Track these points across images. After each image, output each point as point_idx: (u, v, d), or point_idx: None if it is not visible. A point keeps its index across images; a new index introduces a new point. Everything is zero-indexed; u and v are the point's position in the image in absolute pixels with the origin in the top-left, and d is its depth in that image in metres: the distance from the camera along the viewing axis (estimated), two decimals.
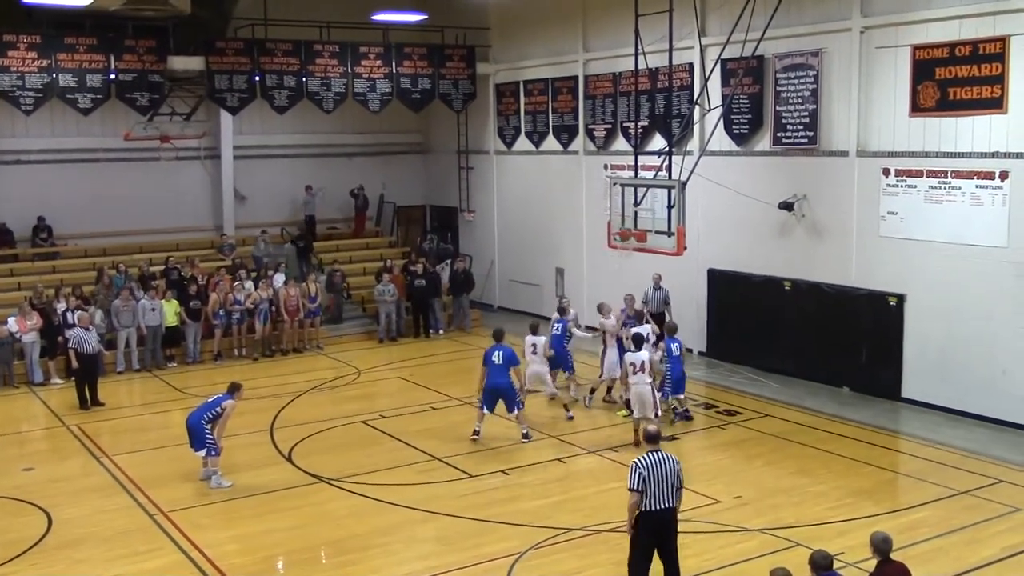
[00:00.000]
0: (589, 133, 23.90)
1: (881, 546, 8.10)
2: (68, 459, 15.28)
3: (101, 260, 23.89)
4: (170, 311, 21.23)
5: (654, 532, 9.58)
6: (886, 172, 17.27)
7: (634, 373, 14.87)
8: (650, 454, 9.55)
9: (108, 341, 20.71)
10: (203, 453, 13.67)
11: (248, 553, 11.54)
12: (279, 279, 22.91)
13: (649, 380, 14.90)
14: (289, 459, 14.90)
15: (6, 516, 12.78)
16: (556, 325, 18.28)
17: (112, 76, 22.63)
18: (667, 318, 19.05)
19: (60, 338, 20.10)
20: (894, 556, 8.21)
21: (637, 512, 9.51)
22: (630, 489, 9.45)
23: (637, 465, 9.45)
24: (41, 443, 16.28)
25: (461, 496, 13.19)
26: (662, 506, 9.46)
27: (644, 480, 9.37)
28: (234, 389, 13.97)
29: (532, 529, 11.94)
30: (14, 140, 24.30)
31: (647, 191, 17.89)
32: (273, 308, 22.22)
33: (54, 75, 22.00)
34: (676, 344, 16.41)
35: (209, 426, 13.60)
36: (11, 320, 19.85)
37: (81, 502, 13.25)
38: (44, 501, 13.15)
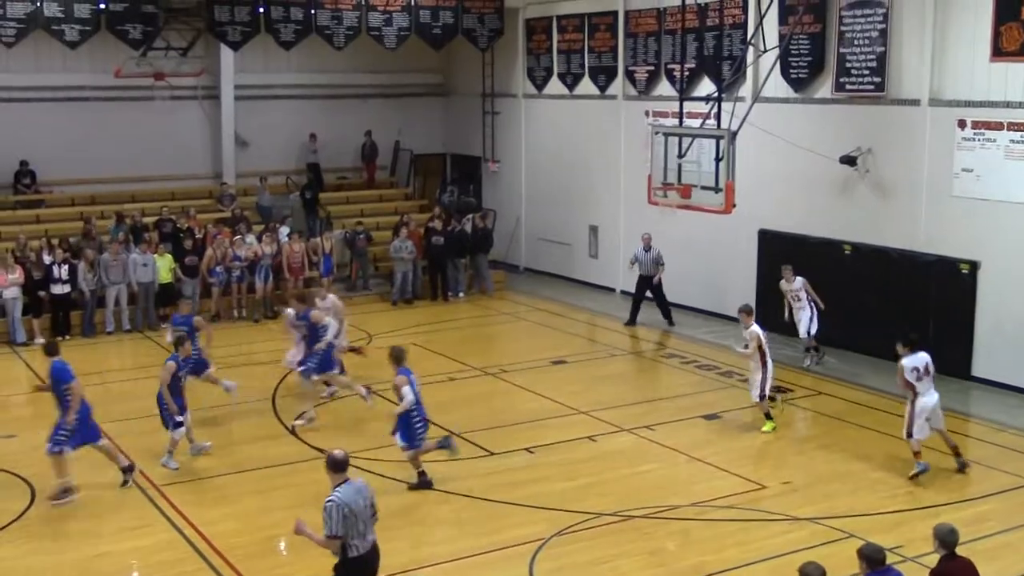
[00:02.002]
0: (629, 75, 23.72)
1: (947, 539, 8.10)
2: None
3: (89, 209, 24.09)
4: (164, 267, 21.41)
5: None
6: (962, 124, 17.06)
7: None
8: (345, 486, 8.57)
9: (98, 299, 20.92)
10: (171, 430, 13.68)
11: (247, 532, 11.70)
12: (284, 233, 23.02)
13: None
14: (292, 432, 15.04)
15: None
16: None
17: (102, 5, 22.66)
18: (658, 280, 20.75)
19: (43, 293, 20.35)
20: (959, 551, 8.21)
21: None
22: (328, 535, 8.46)
23: (335, 504, 8.40)
24: (24, 408, 16.50)
25: (481, 476, 13.29)
26: (369, 543, 8.63)
27: (345, 519, 8.39)
28: (178, 344, 14.08)
29: (558, 513, 12.03)
30: None
31: (693, 141, 17.81)
32: (276, 265, 22.36)
33: (38, 3, 22.05)
34: None
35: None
36: None
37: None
38: (27, 471, 13.35)
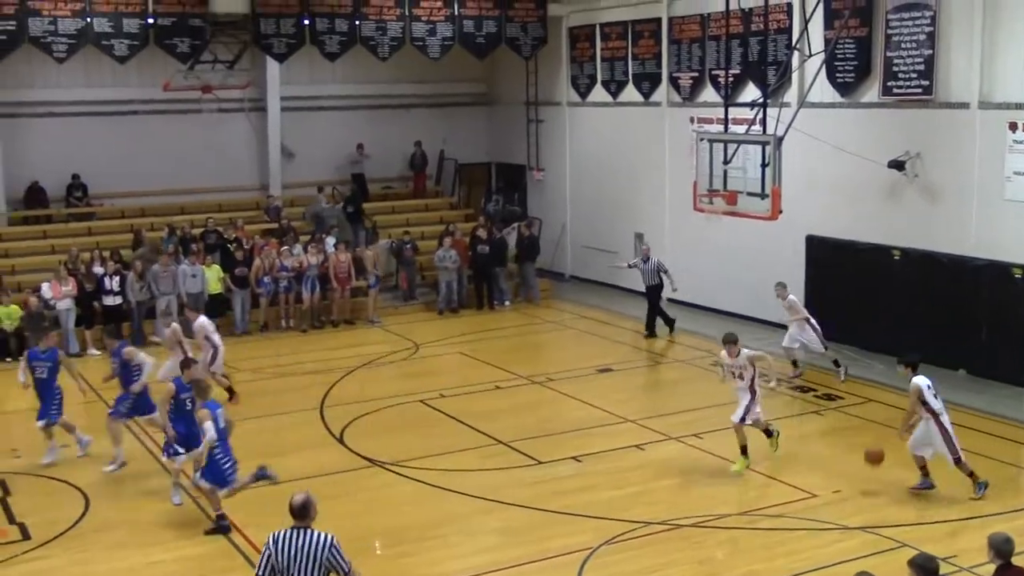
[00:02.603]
0: (673, 82, 23.65)
1: (1003, 548, 7.98)
2: (106, 437, 15.66)
3: (139, 221, 24.42)
4: (212, 277, 21.64)
5: None
6: (1013, 126, 16.82)
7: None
8: (291, 531, 7.81)
9: (148, 309, 21.21)
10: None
11: None
12: (331, 243, 23.19)
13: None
14: (341, 441, 15.14)
15: (42, 497, 13.24)
16: None
17: (150, 20, 22.96)
18: (668, 288, 20.87)
19: (96, 305, 20.67)
20: (1015, 560, 8.08)
21: None
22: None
23: (268, 545, 7.73)
24: (78, 419, 16.67)
25: (528, 484, 13.29)
26: None
27: (271, 567, 7.67)
28: (183, 367, 13.30)
29: (606, 522, 12.00)
30: (46, 91, 24.85)
31: (738, 147, 17.72)
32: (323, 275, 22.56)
33: (88, 19, 22.39)
34: None
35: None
36: (45, 286, 20.43)
37: (117, 483, 13.67)
38: (80, 482, 13.56)
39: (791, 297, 17.88)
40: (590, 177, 26.48)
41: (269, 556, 7.65)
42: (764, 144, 16.83)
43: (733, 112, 19.18)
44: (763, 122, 17.66)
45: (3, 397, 18.35)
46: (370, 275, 23.00)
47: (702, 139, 18.52)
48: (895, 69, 18.47)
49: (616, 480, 13.43)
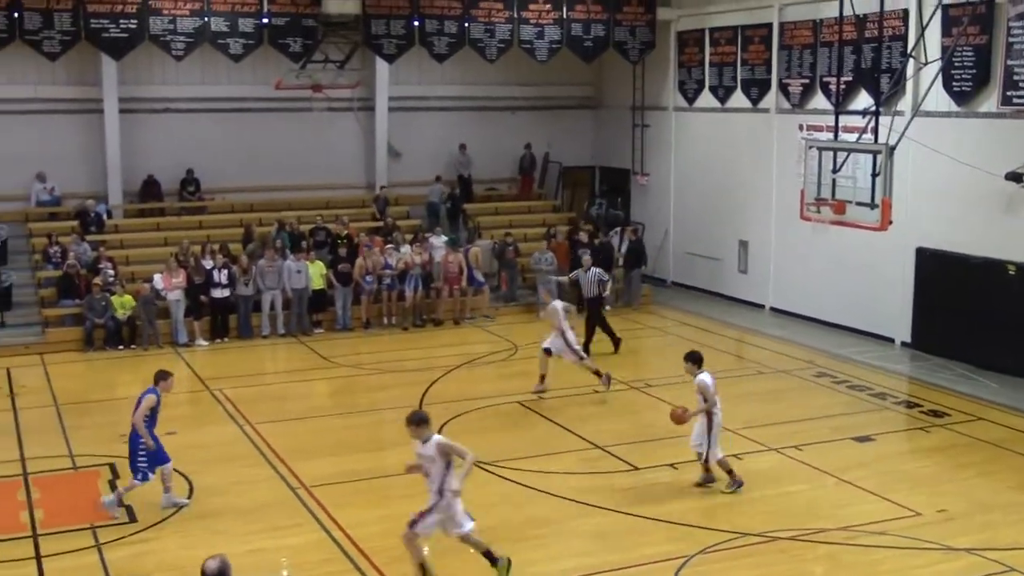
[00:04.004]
0: (783, 88, 23.32)
1: None
2: (211, 425, 16.13)
3: (248, 216, 24.96)
4: (316, 273, 22.02)
5: None
6: None
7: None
8: None
9: (254, 303, 21.69)
10: (135, 478, 12.51)
11: (392, 536, 11.80)
12: (438, 242, 23.43)
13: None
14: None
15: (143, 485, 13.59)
16: None
17: (264, 20, 23.49)
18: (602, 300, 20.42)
19: (203, 297, 21.21)
20: None
21: None
22: None
23: None
24: (184, 407, 17.17)
25: (624, 489, 13.23)
26: None
27: None
28: (159, 379, 12.68)
29: (702, 531, 11.88)
30: (164, 87, 25.57)
31: (848, 156, 17.41)
32: (426, 274, 22.80)
33: (206, 19, 22.99)
34: None
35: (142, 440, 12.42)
36: (157, 277, 21.04)
37: (223, 471, 13.98)
38: (186, 467, 13.89)
39: (554, 304, 17.68)
40: (695, 183, 26.25)
41: None
42: (875, 153, 16.51)
43: (844, 120, 18.85)
44: (875, 130, 17.32)
45: (115, 383, 18.99)
46: (476, 273, 23.16)
47: (811, 147, 18.23)
48: (1016, 78, 17.90)
49: (711, 488, 13.26)
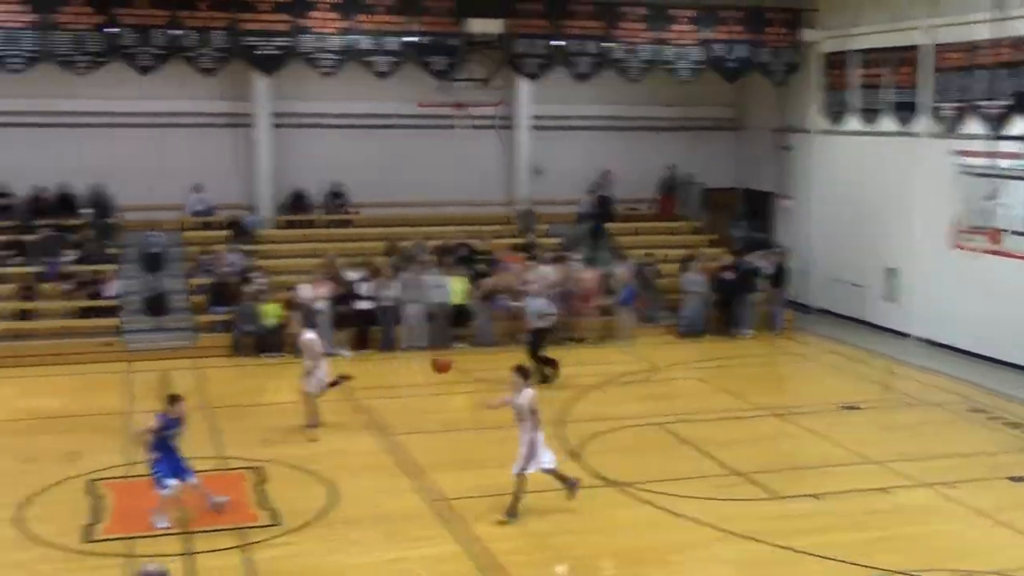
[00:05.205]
0: (934, 112, 22.58)
1: None
2: (353, 433, 16.39)
3: (392, 231, 25.35)
4: (457, 288, 22.20)
5: None
6: None
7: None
8: None
9: (396, 316, 22.02)
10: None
11: (529, 552, 11.88)
12: (577, 261, 23.42)
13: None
14: (577, 457, 15.17)
15: (292, 486, 13.89)
16: None
17: (410, 39, 23.87)
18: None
19: (348, 307, 21.62)
20: None
21: None
22: None
23: None
24: (327, 415, 17.49)
25: (764, 518, 12.91)
26: None
27: None
28: (171, 401, 12.69)
29: (844, 566, 11.48)
30: (312, 104, 26.19)
31: (1004, 183, 16.75)
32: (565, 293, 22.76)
33: (353, 37, 23.50)
34: None
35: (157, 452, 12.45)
36: (304, 287, 21.54)
37: (363, 479, 14.17)
38: (329, 474, 14.17)
39: (307, 337, 16.64)
40: (839, 207, 25.61)
41: None
42: None
43: (1000, 145, 18.13)
44: None
45: (262, 389, 19.45)
46: (617, 295, 23.08)
47: (964, 173, 17.61)
48: None
49: (857, 522, 12.85)
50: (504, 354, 21.57)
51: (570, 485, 13.06)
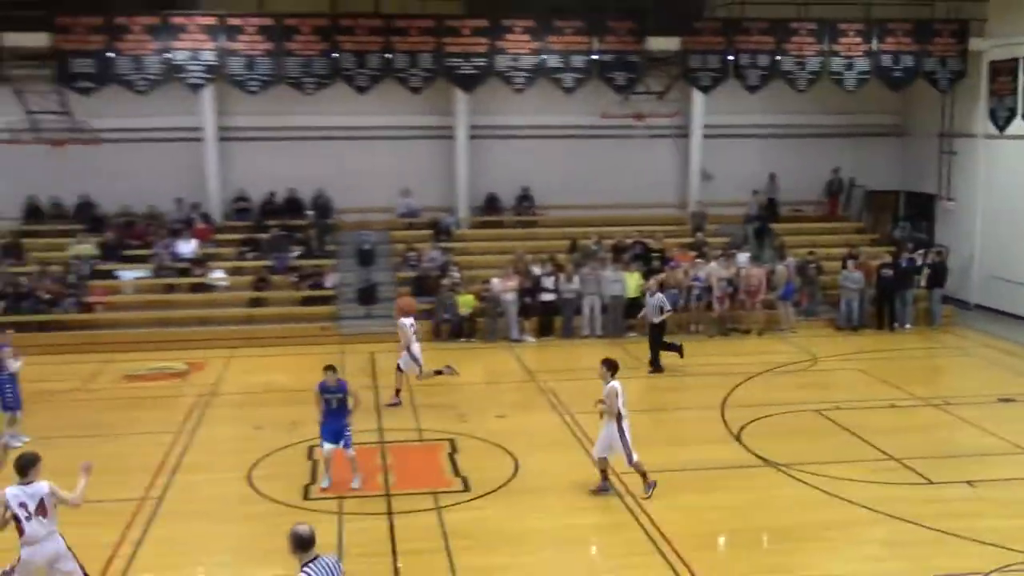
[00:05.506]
0: None
1: None
2: (536, 413, 16.69)
3: (573, 231, 25.57)
4: (632, 283, 22.24)
5: None
6: None
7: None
8: (314, 564, 7.49)
9: (576, 307, 22.25)
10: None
11: (690, 525, 11.87)
12: (743, 258, 23.09)
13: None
14: (738, 439, 15.03)
15: (481, 457, 14.30)
16: None
17: (594, 57, 24.00)
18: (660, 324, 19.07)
19: (528, 299, 21.99)
20: None
21: None
22: None
23: None
24: (513, 395, 17.89)
25: (917, 502, 12.48)
26: None
27: None
28: (326, 371, 12.97)
29: (997, 550, 11.02)
30: (506, 116, 26.65)
31: None
32: (732, 288, 22.49)
33: (543, 56, 23.81)
34: None
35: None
36: (494, 281, 22.06)
37: (545, 453, 14.45)
38: (512, 447, 14.51)
39: (402, 320, 16.90)
40: (1002, 208, 24.29)
41: None
42: None
43: None
44: None
45: (459, 370, 19.96)
46: (780, 289, 22.69)
47: None
48: None
49: (1011, 510, 12.28)
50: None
51: (603, 485, 12.88)
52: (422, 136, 26.66)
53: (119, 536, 11.56)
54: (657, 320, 19.34)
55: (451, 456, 14.34)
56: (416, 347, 17.09)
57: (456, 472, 13.69)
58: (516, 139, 26.87)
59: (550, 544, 11.55)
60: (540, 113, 26.61)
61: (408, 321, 17.12)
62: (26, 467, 9.14)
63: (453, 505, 12.48)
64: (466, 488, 13.06)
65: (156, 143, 25.16)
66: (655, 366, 19.31)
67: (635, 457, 12.63)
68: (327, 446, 13.05)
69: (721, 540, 11.68)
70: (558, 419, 16.19)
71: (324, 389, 13.16)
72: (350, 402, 13.27)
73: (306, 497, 12.80)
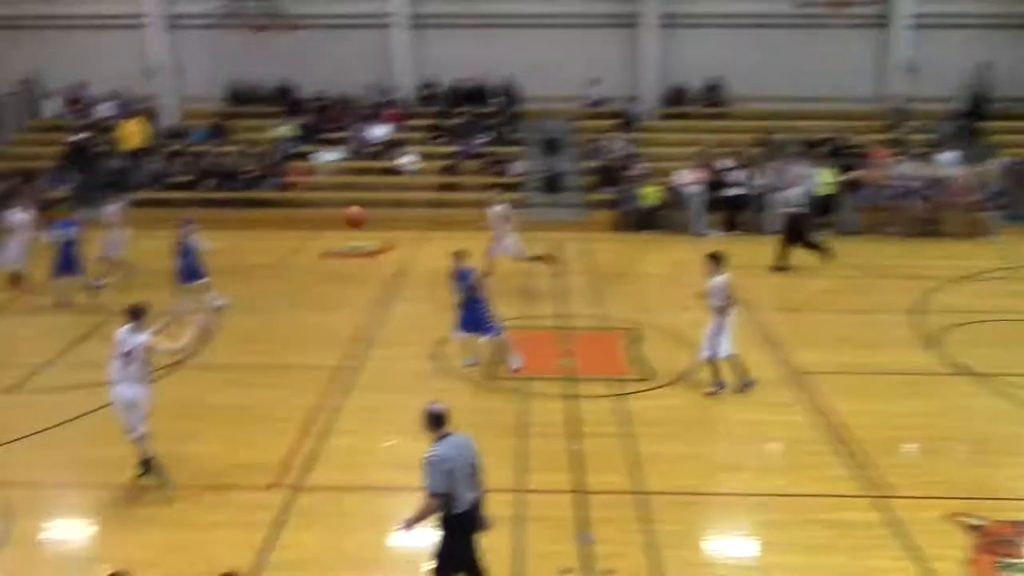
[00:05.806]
0: None
1: None
2: None
3: (765, 124, 24.67)
4: (825, 179, 21.37)
5: (469, 533, 7.79)
6: None
7: None
8: (445, 441, 7.51)
9: (763, 203, 21.61)
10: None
11: (876, 428, 11.46)
12: (946, 157, 21.76)
13: None
14: (933, 346, 14.36)
15: (659, 349, 14.17)
16: None
17: None
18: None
19: (719, 193, 21.48)
20: None
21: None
22: (429, 492, 7.45)
23: (434, 460, 7.40)
24: (696, 288, 17.60)
25: None
26: (469, 501, 7.63)
27: (447, 475, 7.42)
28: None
29: None
30: (696, 4, 25.73)
31: None
32: (932, 188, 21.32)
33: None
34: None
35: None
36: (681, 173, 21.61)
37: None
38: (695, 340, 14.26)
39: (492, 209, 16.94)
40: None
41: (440, 468, 7.41)
42: None
43: None
44: None
45: (641, 261, 19.90)
46: (986, 192, 21.29)
47: None
48: None
49: None
50: (868, 243, 20.72)
51: (717, 385, 12.42)
52: (611, 24, 26.11)
53: (317, 400, 12.17)
54: (788, 212, 18.67)
55: (632, 345, 14.30)
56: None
57: (636, 361, 13.66)
58: (705, 28, 25.96)
59: (733, 437, 11.45)
60: (732, 1, 25.55)
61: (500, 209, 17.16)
62: (137, 313, 9.85)
63: (632, 393, 12.48)
64: (645, 376, 13.02)
65: (351, 29, 25.64)
66: (821, 251, 18.52)
67: (720, 354, 12.27)
68: (460, 333, 13.23)
69: (914, 447, 11.27)
70: (743, 315, 15.80)
71: (461, 275, 13.23)
72: (478, 290, 13.23)
73: (491, 377, 13.07)
